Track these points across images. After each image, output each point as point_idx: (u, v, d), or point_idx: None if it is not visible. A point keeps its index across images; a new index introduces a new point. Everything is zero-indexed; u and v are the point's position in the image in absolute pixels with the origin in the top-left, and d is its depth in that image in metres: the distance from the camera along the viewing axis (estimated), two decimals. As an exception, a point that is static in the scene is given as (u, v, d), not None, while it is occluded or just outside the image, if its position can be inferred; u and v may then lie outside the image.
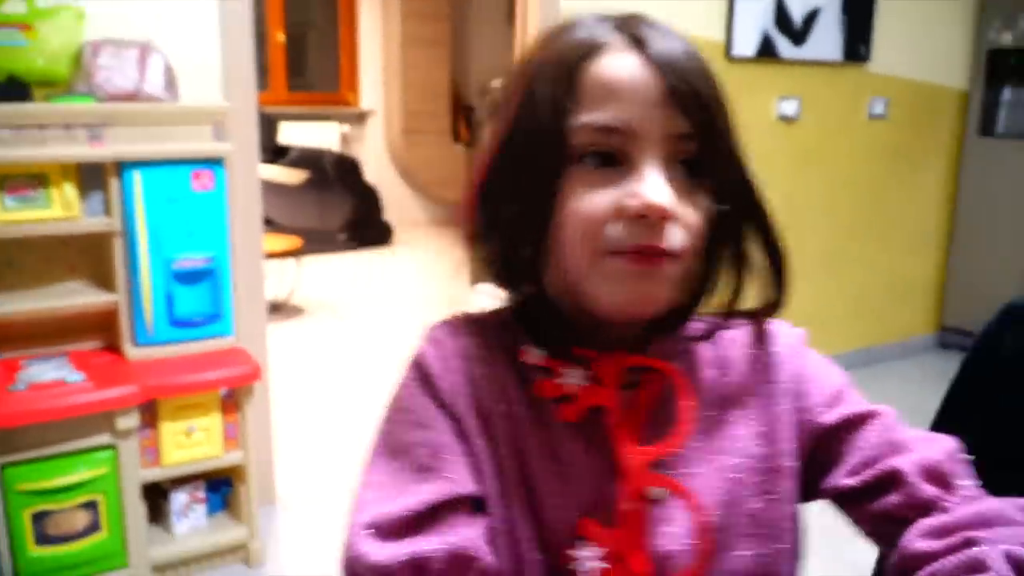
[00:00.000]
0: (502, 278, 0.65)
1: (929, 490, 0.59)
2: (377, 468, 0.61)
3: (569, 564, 0.59)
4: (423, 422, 0.60)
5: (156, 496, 2.03)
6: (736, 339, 0.67)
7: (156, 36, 1.98)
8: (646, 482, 0.59)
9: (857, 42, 3.25)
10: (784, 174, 3.15)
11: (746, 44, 2.96)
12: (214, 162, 1.94)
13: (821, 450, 0.64)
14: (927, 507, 0.59)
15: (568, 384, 0.60)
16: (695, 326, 0.66)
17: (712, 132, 0.57)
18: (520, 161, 0.59)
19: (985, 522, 0.55)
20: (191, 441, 1.95)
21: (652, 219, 0.55)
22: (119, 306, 1.91)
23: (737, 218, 0.61)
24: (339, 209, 5.96)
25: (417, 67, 6.54)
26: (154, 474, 1.94)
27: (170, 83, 1.94)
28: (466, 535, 0.56)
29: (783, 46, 3.05)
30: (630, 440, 0.60)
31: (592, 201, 0.56)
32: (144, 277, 1.90)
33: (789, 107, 3.13)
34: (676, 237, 0.56)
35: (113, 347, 2.00)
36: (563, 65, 0.57)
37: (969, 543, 0.54)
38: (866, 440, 0.62)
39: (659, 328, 0.63)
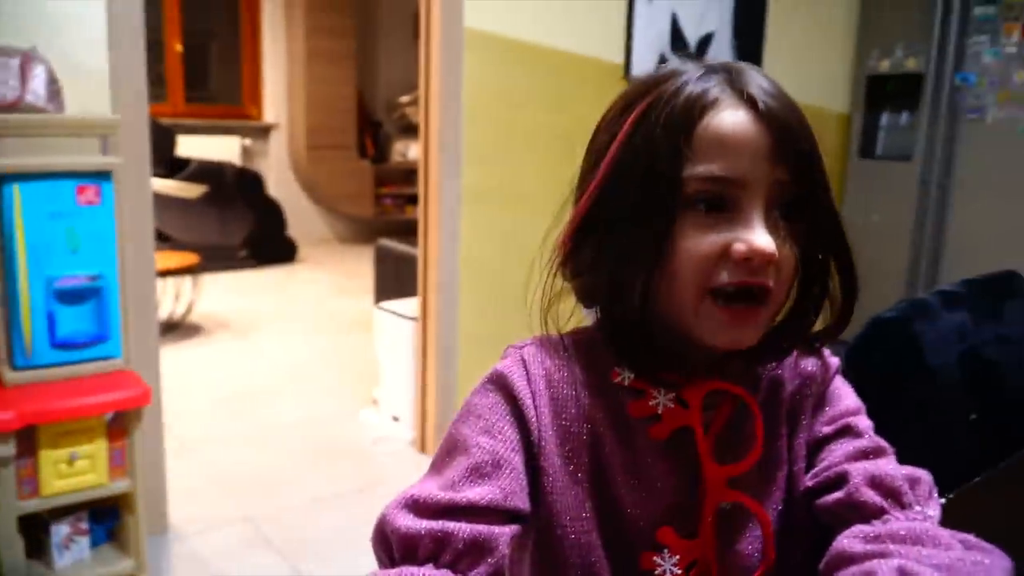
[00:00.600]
0: (602, 303, 0.69)
1: (869, 495, 0.62)
2: (436, 460, 0.65)
3: (652, 568, 0.65)
4: (492, 431, 0.64)
5: (35, 529, 1.92)
6: (785, 363, 0.72)
7: (40, 44, 1.89)
8: (725, 497, 0.65)
9: (748, 66, 3.39)
10: None
11: (643, 66, 3.04)
12: (101, 176, 1.87)
13: (810, 458, 0.70)
14: (864, 511, 0.62)
15: (657, 405, 0.66)
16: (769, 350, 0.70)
17: (809, 180, 0.62)
18: (636, 201, 0.63)
19: (911, 540, 0.57)
20: (73, 469, 1.86)
21: (757, 263, 0.60)
22: (-6, 327, 1.81)
23: (826, 258, 0.66)
24: (240, 224, 5.81)
25: (322, 82, 6.46)
26: (32, 505, 1.83)
27: (54, 93, 1.86)
28: (493, 531, 0.59)
29: (679, 69, 3.15)
30: (710, 457, 0.65)
31: (703, 243, 0.61)
32: (23, 296, 1.80)
33: (685, 128, 3.23)
34: (771, 278, 0.62)
35: (-12, 371, 1.89)
36: (679, 119, 0.62)
37: (884, 555, 0.56)
38: (840, 450, 0.68)
39: (744, 357, 0.68)
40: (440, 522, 0.59)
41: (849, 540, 0.60)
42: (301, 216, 6.71)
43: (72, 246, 1.84)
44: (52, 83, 1.85)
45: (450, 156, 2.64)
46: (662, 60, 3.09)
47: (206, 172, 5.56)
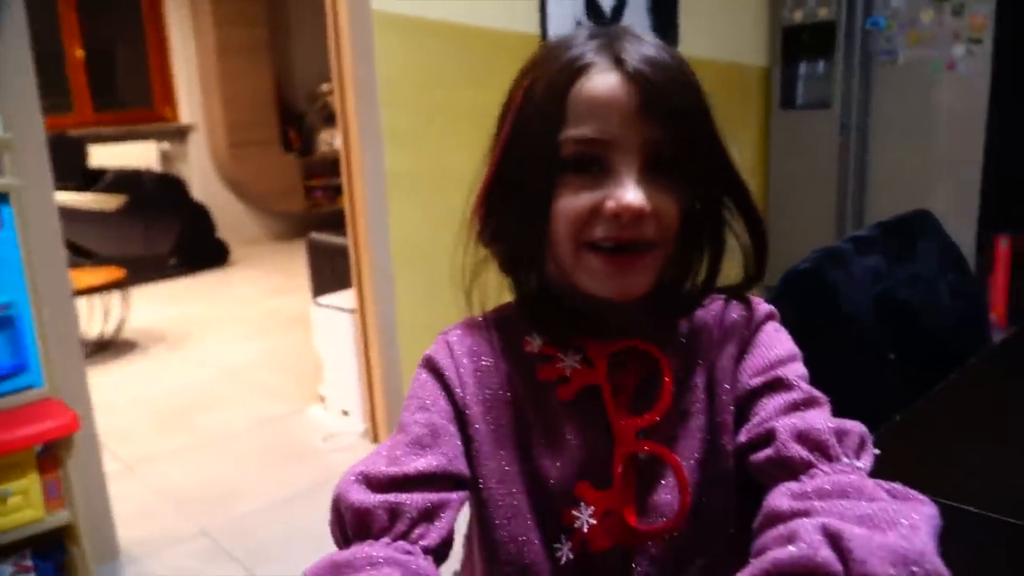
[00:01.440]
0: (510, 274, 0.72)
1: (796, 451, 0.61)
2: (388, 441, 0.69)
3: (571, 523, 0.68)
4: (427, 406, 0.69)
5: (-26, 571, 1.85)
6: (707, 314, 0.74)
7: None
8: (635, 448, 0.67)
9: (665, 27, 3.40)
10: None
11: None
12: (-2, 200, 1.78)
13: (740, 412, 0.70)
14: (791, 467, 0.61)
15: (564, 367, 0.69)
16: (679, 303, 0.73)
17: (686, 136, 0.64)
18: (520, 170, 0.67)
19: (836, 494, 0.56)
20: (7, 507, 1.78)
21: (626, 219, 0.62)
22: (-99, 369, 1.72)
23: (715, 207, 0.69)
24: (166, 232, 5.65)
25: (237, 76, 6.28)
26: (-33, 548, 1.76)
27: (-65, 117, 1.76)
28: (442, 498, 0.64)
29: (593, 35, 3.14)
30: (621, 412, 0.68)
31: (577, 201, 0.64)
32: (-72, 334, 1.71)
33: (605, 93, 3.23)
34: (650, 230, 0.64)
35: (-99, 414, 1.80)
36: (555, 85, 0.65)
37: (808, 512, 0.55)
38: (770, 407, 0.66)
39: (647, 310, 0.70)
40: (392, 494, 0.62)
41: (777, 498, 0.59)
42: (230, 217, 6.56)
43: (-25, 275, 1.76)
44: (-66, 106, 1.75)
45: (371, 142, 2.59)
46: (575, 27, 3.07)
47: (123, 181, 5.38)
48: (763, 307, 0.75)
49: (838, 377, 0.98)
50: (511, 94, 0.70)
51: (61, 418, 1.82)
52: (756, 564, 0.53)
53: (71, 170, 5.25)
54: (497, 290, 0.75)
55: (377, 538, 0.61)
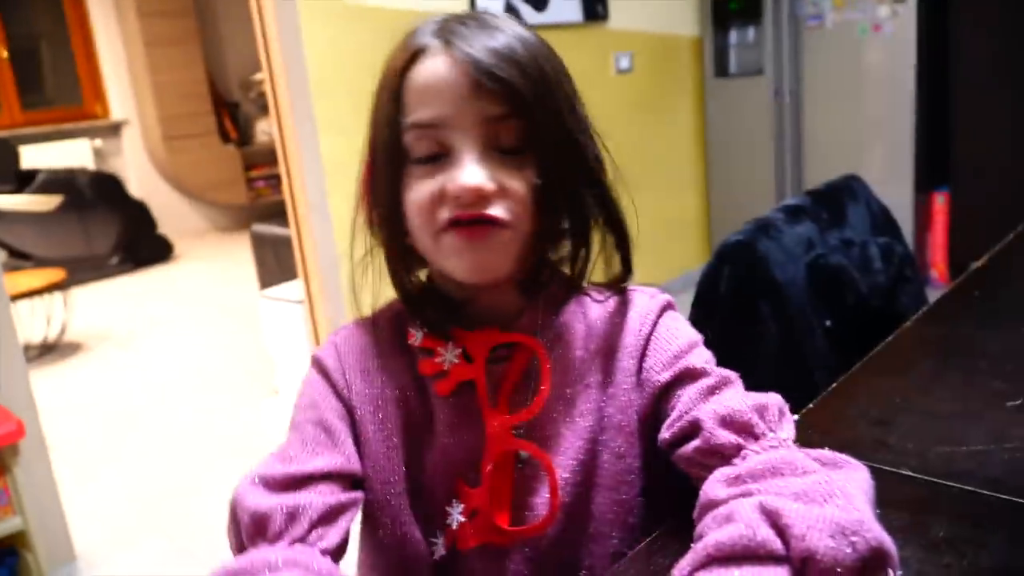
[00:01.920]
0: (390, 265, 0.71)
1: (724, 437, 0.61)
2: (283, 443, 0.68)
3: (446, 519, 0.68)
4: (318, 405, 0.69)
5: (-76, 588, 1.81)
6: (596, 310, 0.73)
7: None
8: (508, 446, 0.66)
9: (594, 2, 3.40)
10: None
11: (492, 14, 3.01)
12: (-78, 209, 1.72)
13: (656, 407, 0.69)
14: (723, 453, 0.61)
15: (443, 362, 0.68)
16: (564, 298, 0.72)
17: (527, 111, 0.62)
18: (376, 164, 0.68)
19: (769, 473, 0.57)
20: (-46, 519, 1.75)
21: (467, 199, 0.61)
22: None
23: (570, 184, 0.66)
24: (105, 230, 5.51)
25: (167, 68, 6.12)
26: (-85, 565, 1.72)
27: None
28: (341, 499, 0.63)
29: (527, 13, 3.13)
30: (498, 409, 0.67)
31: (422, 190, 0.64)
32: None
33: (543, 70, 3.22)
34: (498, 208, 0.63)
35: None
36: (393, 74, 0.65)
37: (746, 495, 0.55)
38: (686, 397, 0.66)
39: (525, 303, 0.70)
40: (291, 495, 0.62)
41: (712, 486, 0.59)
42: (171, 212, 6.42)
43: (-97, 288, 1.70)
44: None
45: (305, 130, 2.56)
46: (508, 7, 3.06)
47: (57, 181, 5.23)
48: (658, 299, 0.74)
49: (774, 347, 1.01)
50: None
51: (5, 425, 1.78)
52: (697, 548, 0.53)
53: (2, 172, 5.08)
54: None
55: (274, 542, 0.60)
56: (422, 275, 0.73)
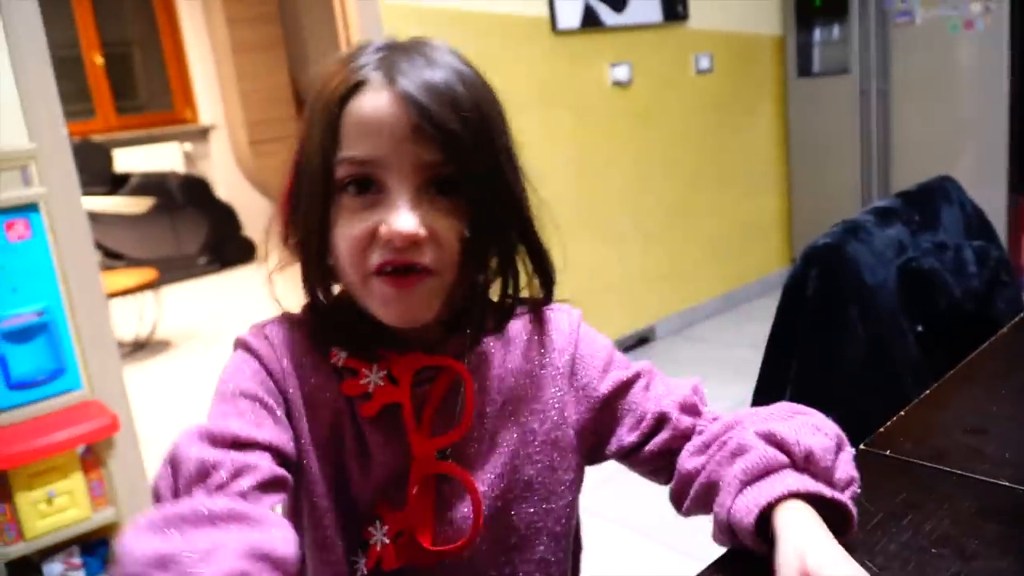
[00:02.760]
0: (305, 284, 0.71)
1: (687, 420, 0.72)
2: (215, 407, 0.67)
3: (368, 539, 0.68)
4: (251, 386, 0.66)
5: (28, 571, 1.90)
6: (520, 329, 0.75)
7: (-60, 83, 1.82)
8: (432, 468, 0.67)
9: (674, 2, 3.36)
10: (624, 137, 3.22)
11: (570, 17, 3.01)
12: (27, 209, 1.82)
13: (601, 417, 0.74)
14: (688, 435, 0.72)
15: (368, 383, 0.67)
16: (484, 320, 0.71)
17: (461, 158, 0.62)
18: (302, 186, 0.66)
19: (730, 428, 0.69)
20: (53, 508, 1.84)
21: (399, 244, 0.61)
22: (-54, 379, 1.77)
23: (499, 228, 0.66)
24: (194, 232, 5.72)
25: (253, 74, 6.31)
26: (19, 549, 1.81)
27: (-36, 132, 1.80)
28: (283, 472, 0.62)
29: (606, 14, 3.12)
30: (422, 432, 0.67)
31: (355, 227, 0.63)
32: (-31, 343, 1.76)
33: (621, 72, 3.21)
34: (428, 255, 0.62)
35: (-52, 423, 1.85)
36: (329, 104, 0.63)
37: (725, 445, 0.66)
38: (633, 400, 0.74)
39: (451, 328, 0.70)
40: (239, 453, 0.60)
41: (690, 460, 0.69)
42: (256, 214, 6.60)
43: (11, 284, 1.80)
44: (-39, 121, 1.79)
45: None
46: (587, 9, 3.05)
47: (150, 184, 5.45)
48: (574, 316, 0.77)
49: (862, 352, 0.98)
50: (306, 107, 0.67)
51: (101, 419, 1.86)
52: (728, 484, 0.63)
53: (98, 175, 5.32)
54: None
55: (212, 493, 0.58)
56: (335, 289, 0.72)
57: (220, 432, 0.62)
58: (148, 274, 4.15)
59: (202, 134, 6.51)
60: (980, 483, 0.70)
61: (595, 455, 0.76)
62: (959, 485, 0.70)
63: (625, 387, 0.74)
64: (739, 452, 0.65)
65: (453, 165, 0.62)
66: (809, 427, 0.65)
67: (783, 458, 0.63)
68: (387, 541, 0.68)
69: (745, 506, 0.61)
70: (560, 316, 0.77)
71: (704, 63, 3.54)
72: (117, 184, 5.41)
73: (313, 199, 0.64)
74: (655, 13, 3.30)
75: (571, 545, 0.78)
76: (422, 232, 0.61)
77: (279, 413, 0.66)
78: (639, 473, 0.76)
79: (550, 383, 0.73)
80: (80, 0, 5.80)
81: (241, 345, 0.71)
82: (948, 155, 3.46)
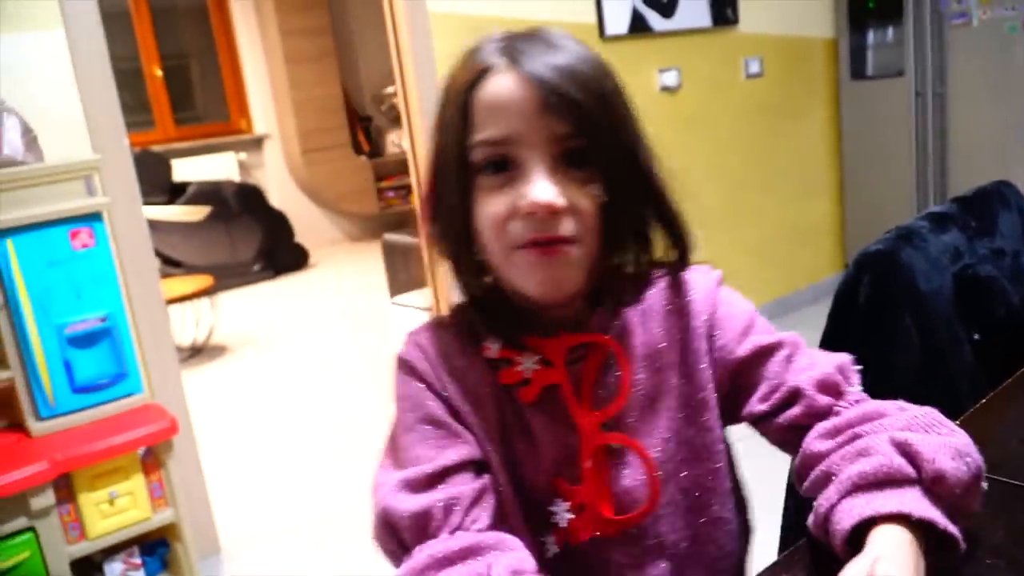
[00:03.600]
0: (456, 276, 0.73)
1: (823, 399, 0.70)
2: (390, 448, 0.71)
3: (551, 519, 0.71)
4: (422, 404, 0.70)
5: (90, 570, 1.97)
6: (657, 295, 0.76)
7: (8, 96, 1.90)
8: (600, 440, 0.70)
9: (723, 7, 3.33)
10: (672, 142, 3.13)
11: (618, 23, 3.01)
12: (92, 217, 1.88)
13: (736, 381, 0.74)
14: (822, 414, 0.70)
15: (524, 370, 0.70)
16: (624, 292, 0.74)
17: (592, 129, 0.65)
18: (442, 178, 0.69)
19: (868, 419, 0.66)
20: (115, 508, 1.89)
21: (541, 215, 0.63)
22: (14, 382, 1.84)
23: (633, 198, 0.68)
24: (249, 239, 5.84)
25: (306, 84, 6.44)
26: (82, 548, 1.87)
27: (30, 143, 1.87)
28: (483, 481, 0.67)
29: (654, 20, 3.11)
30: (583, 407, 0.70)
31: (495, 204, 0.66)
32: (36, 348, 1.83)
33: (669, 78, 3.19)
34: (568, 226, 0.65)
35: (16, 425, 1.92)
36: (459, 91, 0.67)
37: (856, 437, 0.64)
38: (772, 370, 0.73)
39: (592, 303, 0.73)
40: (442, 489, 0.65)
41: (813, 442, 0.67)
42: (308, 222, 6.73)
43: (75, 291, 1.87)
44: (27, 133, 1.86)
45: (437, 143, 2.64)
46: (635, 14, 3.05)
47: (206, 193, 5.59)
48: (712, 276, 0.77)
49: (916, 360, 0.96)
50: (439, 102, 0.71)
51: (161, 422, 1.91)
52: (842, 479, 0.61)
53: (157, 185, 5.47)
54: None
55: (436, 535, 0.63)
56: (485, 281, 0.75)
57: (416, 476, 0.66)
58: (205, 281, 4.26)
59: (256, 143, 6.66)
60: (1039, 495, 0.69)
61: (730, 418, 0.76)
62: (1014, 496, 0.69)
63: (764, 353, 0.73)
64: (864, 453, 0.63)
65: (583, 136, 0.65)
66: (951, 448, 0.60)
67: (910, 471, 0.60)
68: (571, 516, 0.70)
69: (848, 510, 0.60)
70: (698, 277, 0.77)
71: (754, 67, 3.50)
72: (175, 193, 5.56)
73: (454, 189, 0.67)
74: (704, 18, 3.28)
75: (740, 502, 0.79)
76: (561, 201, 0.64)
77: (452, 421, 0.70)
78: (770, 442, 0.75)
79: (693, 345, 0.74)
80: (140, 14, 5.99)
81: (399, 364, 0.74)
82: (1006, 159, 3.37)
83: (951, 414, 0.83)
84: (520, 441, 0.72)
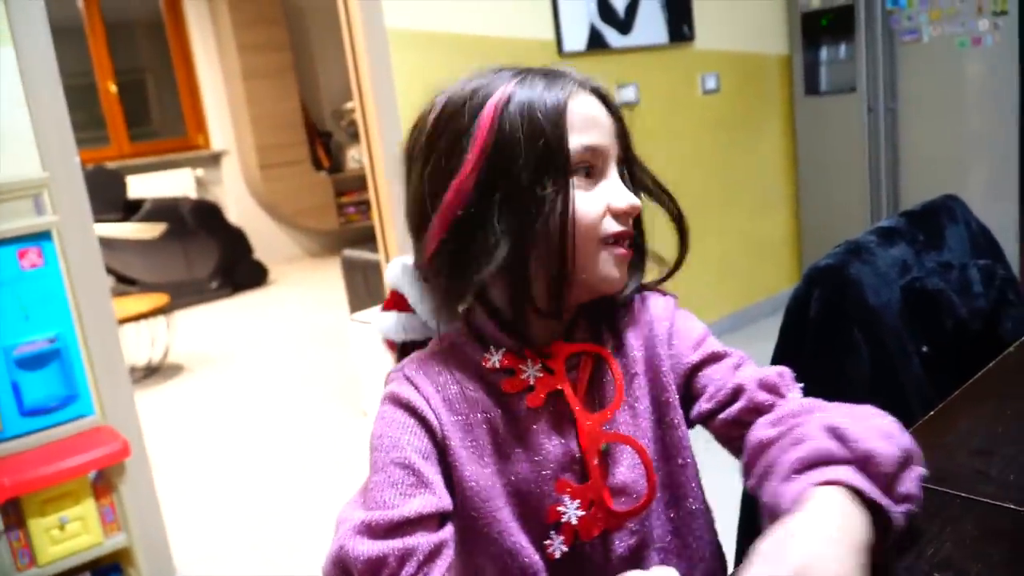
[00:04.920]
0: (463, 296, 0.75)
1: (764, 396, 0.75)
2: (368, 486, 0.72)
3: (558, 519, 0.74)
4: (400, 445, 0.72)
5: (39, 597, 1.91)
6: (629, 309, 0.82)
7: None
8: (603, 440, 0.75)
9: (680, 23, 3.38)
10: None
11: (576, 39, 3.03)
12: (40, 236, 1.84)
13: (688, 385, 0.80)
14: (763, 410, 0.75)
15: (528, 377, 0.75)
16: (602, 304, 0.80)
17: (631, 149, 0.78)
18: (527, 177, 0.71)
19: (807, 411, 0.71)
20: (66, 533, 1.84)
21: (630, 215, 0.74)
22: (-41, 406, 1.79)
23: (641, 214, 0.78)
24: (206, 256, 5.76)
25: (264, 99, 6.39)
26: (32, 575, 1.82)
27: (-22, 162, 1.83)
28: (442, 536, 0.69)
29: (612, 37, 3.14)
30: (582, 410, 0.75)
31: (591, 201, 0.73)
32: (-18, 371, 1.78)
33: (628, 93, 3.22)
34: (632, 227, 0.76)
35: (-39, 450, 1.87)
36: (552, 103, 0.72)
37: (794, 427, 0.69)
38: (719, 373, 0.79)
39: (580, 314, 0.79)
40: (400, 539, 0.67)
41: (759, 430, 0.72)
42: (267, 238, 6.66)
43: (24, 312, 1.82)
44: (-26, 152, 1.82)
45: (394, 158, 2.63)
46: (592, 31, 3.08)
47: (162, 210, 5.51)
48: (669, 298, 0.85)
49: (867, 373, 0.97)
50: (461, 124, 0.73)
51: (112, 445, 1.87)
52: (779, 471, 0.65)
53: (112, 202, 5.38)
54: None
55: None
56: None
57: (377, 522, 0.67)
58: (160, 299, 4.18)
59: (214, 159, 6.58)
60: (985, 506, 0.70)
61: (686, 422, 0.81)
62: (964, 508, 0.70)
63: (713, 359, 0.80)
64: (799, 441, 0.67)
65: (626, 154, 0.77)
66: (879, 431, 0.65)
67: (842, 452, 0.64)
68: (582, 513, 0.74)
69: (787, 492, 0.64)
70: (657, 297, 0.84)
71: (711, 83, 3.55)
72: (130, 210, 5.47)
73: (552, 181, 0.71)
74: (661, 34, 3.32)
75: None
76: (639, 205, 0.75)
77: (427, 466, 0.72)
78: (716, 440, 0.80)
79: (656, 351, 0.80)
80: (94, 30, 5.90)
81: (390, 399, 0.76)
82: (957, 172, 3.45)
83: (902, 425, 0.84)
84: (519, 449, 0.75)
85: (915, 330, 1.00)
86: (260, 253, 6.26)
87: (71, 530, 1.85)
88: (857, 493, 0.61)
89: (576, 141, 0.72)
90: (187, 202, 5.76)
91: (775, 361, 0.93)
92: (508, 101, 0.72)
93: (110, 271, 5.30)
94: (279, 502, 2.72)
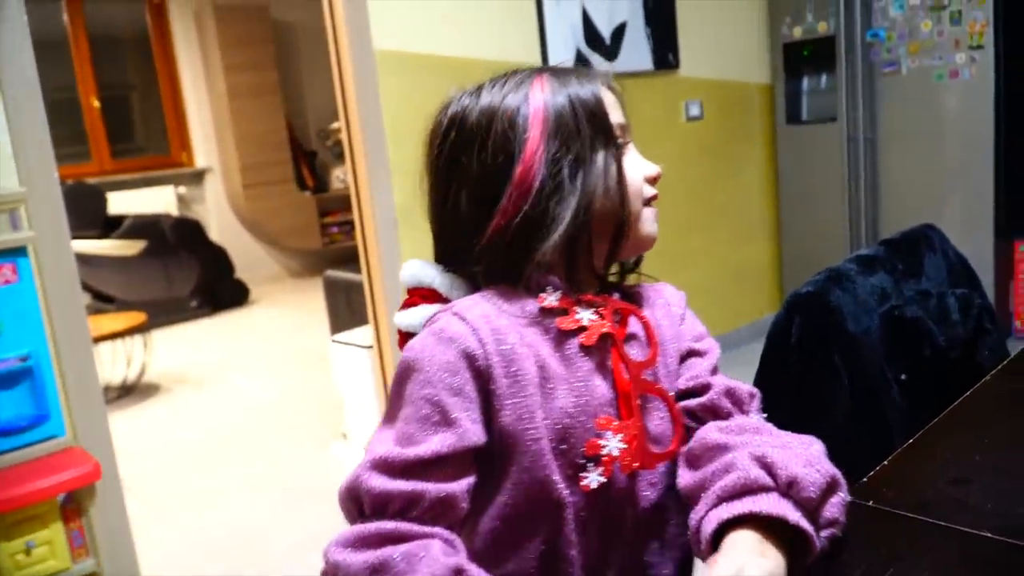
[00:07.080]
0: (530, 259, 0.80)
1: (726, 403, 0.83)
2: (393, 417, 0.75)
3: (599, 452, 0.77)
4: (433, 381, 0.74)
5: (3, 622, 1.86)
6: (649, 290, 0.92)
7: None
8: (645, 389, 0.81)
9: (664, 51, 3.41)
10: None
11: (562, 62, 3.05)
12: (16, 252, 1.82)
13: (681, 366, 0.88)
14: (719, 415, 0.82)
15: (582, 318, 0.81)
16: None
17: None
18: (587, 148, 0.81)
19: (755, 431, 0.77)
20: (32, 558, 1.80)
21: (658, 180, 0.86)
22: (-74, 424, 1.75)
23: None
24: (186, 275, 5.71)
25: (249, 118, 6.37)
26: (-5, 600, 1.77)
27: (-46, 176, 1.80)
28: (456, 487, 0.71)
29: (597, 62, 3.16)
30: (626, 357, 0.81)
31: (636, 167, 0.85)
32: (-49, 388, 1.74)
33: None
34: None
35: (-73, 469, 1.82)
36: (590, 93, 0.83)
37: (733, 445, 0.74)
38: (701, 367, 0.87)
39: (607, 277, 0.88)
40: (410, 483, 0.70)
41: (708, 430, 0.79)
42: (249, 257, 6.62)
43: (-4, 329, 1.79)
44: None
45: (379, 177, 2.62)
46: (579, 56, 3.10)
47: (142, 227, 5.46)
48: (682, 292, 0.95)
49: (847, 400, 0.97)
50: (514, 113, 0.81)
51: (83, 466, 1.83)
52: (709, 495, 0.71)
53: (91, 218, 5.33)
54: None
55: (393, 519, 0.69)
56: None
57: (394, 460, 0.70)
58: (136, 318, 4.14)
59: (197, 177, 6.55)
60: (963, 534, 0.69)
61: None
62: (942, 536, 0.70)
63: (700, 353, 0.88)
64: (727, 469, 0.72)
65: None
66: (803, 459, 0.70)
67: (767, 480, 0.69)
68: (624, 447, 0.77)
69: (710, 519, 0.69)
70: (669, 286, 0.94)
71: (694, 110, 3.58)
72: (110, 227, 5.42)
73: (611, 150, 0.82)
74: (646, 61, 3.35)
75: None
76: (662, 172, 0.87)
77: (456, 402, 0.74)
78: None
79: (674, 327, 0.89)
80: (78, 44, 5.88)
81: (434, 334, 0.77)
82: (936, 202, 3.49)
83: (882, 453, 0.84)
84: (564, 385, 0.79)
85: (894, 357, 1.00)
86: (241, 272, 6.22)
87: (38, 555, 1.81)
88: (781, 520, 0.66)
89: (613, 118, 0.83)
90: (168, 219, 5.71)
91: (756, 387, 0.93)
92: (552, 90, 0.82)
93: (88, 288, 5.24)
94: (256, 528, 2.67)
